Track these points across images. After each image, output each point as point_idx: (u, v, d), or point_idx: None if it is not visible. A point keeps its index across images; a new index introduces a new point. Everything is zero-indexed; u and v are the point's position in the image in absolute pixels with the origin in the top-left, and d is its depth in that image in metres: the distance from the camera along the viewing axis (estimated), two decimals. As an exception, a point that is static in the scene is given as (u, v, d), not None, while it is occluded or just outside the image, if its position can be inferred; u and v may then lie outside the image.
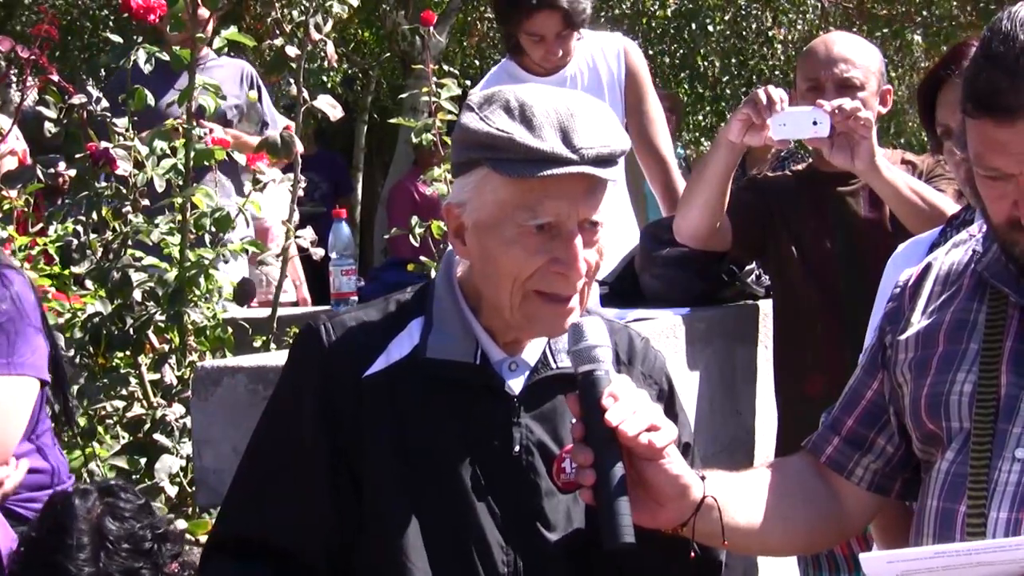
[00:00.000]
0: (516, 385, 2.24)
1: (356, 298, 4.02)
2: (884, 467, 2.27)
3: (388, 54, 12.85)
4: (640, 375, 2.32)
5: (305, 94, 4.64)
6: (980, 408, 2.08)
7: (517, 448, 2.22)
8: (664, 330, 4.00)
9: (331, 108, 4.60)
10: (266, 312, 4.72)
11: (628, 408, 2.05)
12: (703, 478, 2.13)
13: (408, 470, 2.19)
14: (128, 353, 4.40)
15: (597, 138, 2.12)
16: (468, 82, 7.48)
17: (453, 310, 2.25)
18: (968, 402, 2.09)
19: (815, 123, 3.74)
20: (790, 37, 13.68)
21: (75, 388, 4.31)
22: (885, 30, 13.25)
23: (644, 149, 4.91)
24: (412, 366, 2.22)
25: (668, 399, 2.35)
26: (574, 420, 2.10)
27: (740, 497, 2.19)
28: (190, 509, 4.15)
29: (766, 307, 4.45)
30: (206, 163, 4.59)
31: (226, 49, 4.58)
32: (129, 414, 4.38)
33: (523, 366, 2.25)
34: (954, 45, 3.39)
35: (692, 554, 2.17)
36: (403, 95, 7.53)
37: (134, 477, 4.18)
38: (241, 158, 4.61)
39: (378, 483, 2.19)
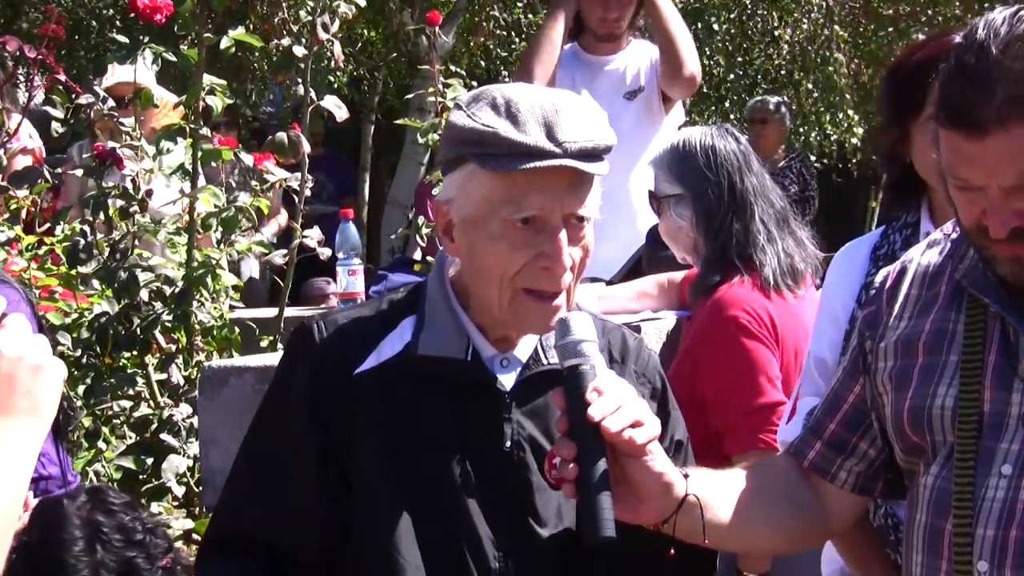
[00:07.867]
0: (508, 381, 2.25)
1: (364, 297, 4.02)
2: (867, 469, 2.27)
3: (394, 54, 12.84)
4: (633, 373, 2.32)
5: (312, 94, 4.65)
6: (962, 424, 2.06)
7: (508, 444, 2.23)
8: (671, 330, 4.00)
9: (337, 108, 4.61)
10: (273, 312, 4.73)
11: (612, 403, 2.05)
12: (686, 476, 2.14)
13: (399, 467, 2.19)
14: (135, 353, 4.41)
15: (581, 133, 2.13)
16: (474, 82, 7.48)
17: (445, 308, 2.26)
18: (951, 416, 2.08)
19: None
20: (796, 37, 13.64)
21: (81, 388, 4.32)
22: (891, 29, 13.21)
23: None
24: (404, 364, 2.23)
25: (661, 397, 2.36)
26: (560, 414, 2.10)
27: (723, 496, 2.19)
28: (197, 509, 4.16)
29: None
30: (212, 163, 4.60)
31: (232, 49, 4.58)
32: (136, 414, 4.39)
33: (514, 362, 2.26)
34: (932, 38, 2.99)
35: (672, 551, 2.17)
36: (409, 95, 7.52)
37: (141, 477, 4.19)
38: (248, 158, 4.62)
39: (369, 480, 2.20)
